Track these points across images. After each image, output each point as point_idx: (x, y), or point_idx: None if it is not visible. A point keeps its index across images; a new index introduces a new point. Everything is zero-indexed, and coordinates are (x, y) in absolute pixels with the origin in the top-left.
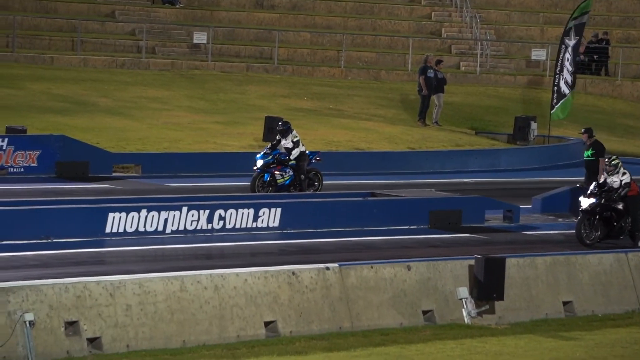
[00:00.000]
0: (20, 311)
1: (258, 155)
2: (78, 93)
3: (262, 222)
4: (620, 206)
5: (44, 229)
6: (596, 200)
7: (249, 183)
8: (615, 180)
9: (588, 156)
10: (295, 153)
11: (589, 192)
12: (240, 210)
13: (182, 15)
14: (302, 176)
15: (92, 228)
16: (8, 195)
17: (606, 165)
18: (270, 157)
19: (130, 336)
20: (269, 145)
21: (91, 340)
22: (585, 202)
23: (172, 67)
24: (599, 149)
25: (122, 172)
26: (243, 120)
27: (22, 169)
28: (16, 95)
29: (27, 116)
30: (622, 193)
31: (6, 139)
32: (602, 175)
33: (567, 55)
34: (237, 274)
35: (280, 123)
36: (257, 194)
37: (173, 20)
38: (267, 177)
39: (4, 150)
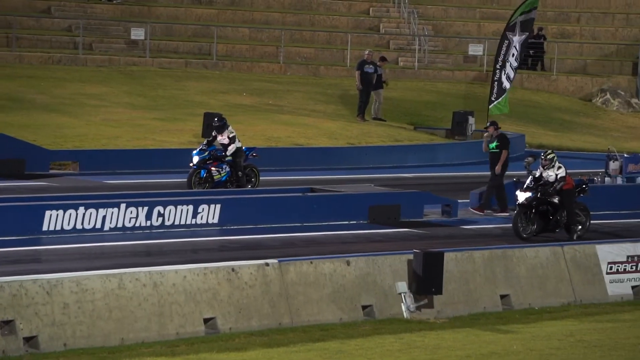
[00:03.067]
0: None
1: (194, 152)
2: (14, 90)
3: (201, 219)
4: (555, 200)
5: None
6: (532, 194)
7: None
8: (550, 175)
9: (492, 148)
10: (231, 149)
11: (525, 186)
12: (179, 207)
13: (120, 11)
14: (240, 172)
15: (29, 226)
16: None
17: (542, 159)
18: (206, 153)
19: (67, 334)
20: (205, 141)
21: (27, 339)
22: (521, 196)
23: (110, 63)
24: (503, 142)
25: (59, 170)
26: (182, 117)
27: None
28: None
29: None
30: (558, 187)
31: None
32: (539, 169)
33: (513, 51)
34: (176, 271)
35: (216, 119)
36: (196, 190)
37: (110, 17)
38: (204, 174)
39: None
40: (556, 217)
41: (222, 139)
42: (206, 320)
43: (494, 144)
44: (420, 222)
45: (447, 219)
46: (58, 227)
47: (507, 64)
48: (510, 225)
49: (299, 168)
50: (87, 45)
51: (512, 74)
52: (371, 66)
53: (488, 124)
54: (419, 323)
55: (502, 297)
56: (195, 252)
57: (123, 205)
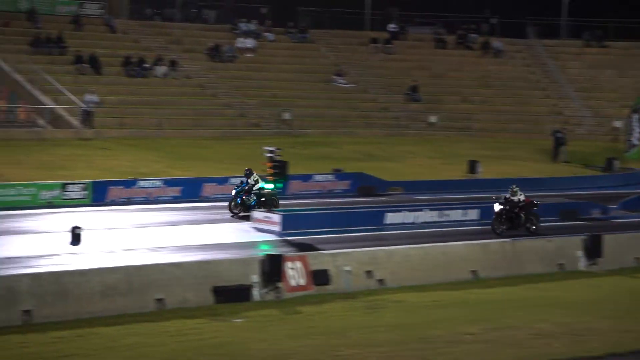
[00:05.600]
0: (342, 265)
1: (235, 188)
2: (367, 150)
3: (468, 217)
4: (517, 210)
5: (349, 222)
6: (504, 206)
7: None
8: (515, 199)
9: None
10: (256, 187)
11: (499, 202)
12: (456, 210)
13: (423, 107)
14: (263, 199)
15: (376, 221)
16: (329, 205)
17: (509, 189)
18: (239, 188)
19: (399, 278)
20: (240, 181)
21: (379, 281)
22: (497, 207)
23: (418, 135)
24: None
25: (393, 192)
26: (455, 162)
27: (341, 191)
28: (338, 152)
29: (344, 163)
30: (520, 204)
31: (334, 175)
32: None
33: (637, 123)
34: (455, 245)
35: (246, 169)
36: (463, 200)
37: (418, 110)
38: (239, 200)
39: (331, 181)
40: (518, 220)
41: (250, 180)
42: (472, 272)
43: None
44: (589, 218)
45: (605, 216)
46: (393, 222)
47: (634, 131)
48: None
49: (526, 189)
50: (406, 126)
51: (638, 136)
52: (559, 134)
53: None
54: (589, 273)
55: (636, 258)
56: (465, 235)
57: (426, 209)
